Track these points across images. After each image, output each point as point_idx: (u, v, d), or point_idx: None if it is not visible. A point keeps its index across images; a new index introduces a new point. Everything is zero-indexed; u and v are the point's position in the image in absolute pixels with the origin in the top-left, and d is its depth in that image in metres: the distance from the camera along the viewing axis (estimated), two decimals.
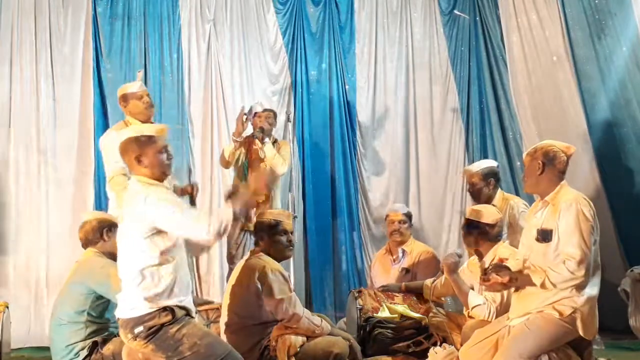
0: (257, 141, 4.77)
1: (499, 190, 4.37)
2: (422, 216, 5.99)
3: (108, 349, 3.36)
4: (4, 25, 5.28)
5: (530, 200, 4.15)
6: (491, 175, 4.31)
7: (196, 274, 5.43)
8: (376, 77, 6.10)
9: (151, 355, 2.73)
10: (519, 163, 5.72)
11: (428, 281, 4.09)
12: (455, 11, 6.21)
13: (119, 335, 2.87)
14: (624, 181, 5.22)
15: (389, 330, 3.82)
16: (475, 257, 3.73)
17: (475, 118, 6.16)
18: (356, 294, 4.07)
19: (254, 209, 4.56)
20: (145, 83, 5.45)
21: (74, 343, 3.41)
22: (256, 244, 3.67)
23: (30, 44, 5.32)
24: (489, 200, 4.25)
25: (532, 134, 5.73)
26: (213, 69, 5.74)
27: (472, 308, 3.48)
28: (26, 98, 5.29)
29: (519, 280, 3.01)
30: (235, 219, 2.64)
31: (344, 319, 4.33)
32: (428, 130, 6.12)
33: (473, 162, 5.50)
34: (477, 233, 3.59)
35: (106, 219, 3.67)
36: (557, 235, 3.00)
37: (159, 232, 2.68)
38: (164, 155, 2.82)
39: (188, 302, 2.78)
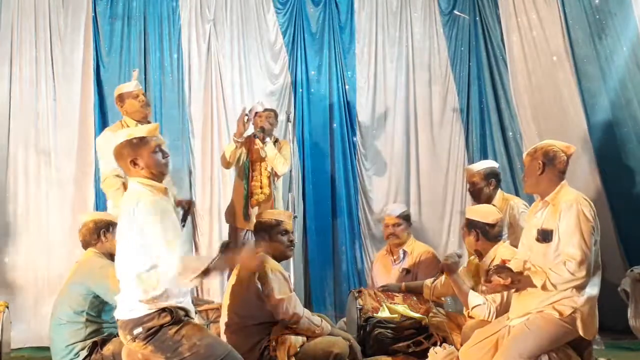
0: (257, 141, 4.77)
1: (499, 190, 4.38)
2: (422, 216, 5.99)
3: (108, 349, 3.36)
4: (4, 25, 5.28)
5: (530, 200, 4.14)
6: (492, 176, 4.32)
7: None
8: (376, 77, 6.10)
9: (151, 356, 2.72)
10: (519, 164, 5.72)
11: (428, 281, 4.09)
12: (455, 11, 6.21)
13: (118, 336, 2.87)
14: (624, 181, 5.22)
15: (389, 330, 3.82)
16: (475, 257, 3.73)
17: (475, 118, 6.16)
18: (356, 294, 4.07)
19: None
20: (146, 83, 5.47)
21: (74, 343, 3.41)
22: (256, 243, 3.68)
23: (30, 44, 5.32)
24: (489, 200, 4.26)
25: (532, 134, 5.72)
26: (213, 69, 5.74)
27: (472, 308, 3.48)
28: (26, 98, 5.29)
29: (521, 281, 3.01)
30: (205, 273, 2.62)
31: (344, 319, 4.33)
32: (428, 130, 6.12)
33: (473, 162, 5.52)
34: (477, 233, 3.59)
35: (103, 220, 3.67)
36: (557, 235, 3.00)
37: None
38: (159, 155, 2.80)
39: (187, 303, 2.78)
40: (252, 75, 5.84)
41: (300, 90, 5.94)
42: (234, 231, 4.89)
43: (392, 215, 4.61)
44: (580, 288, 2.95)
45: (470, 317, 3.55)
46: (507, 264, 3.19)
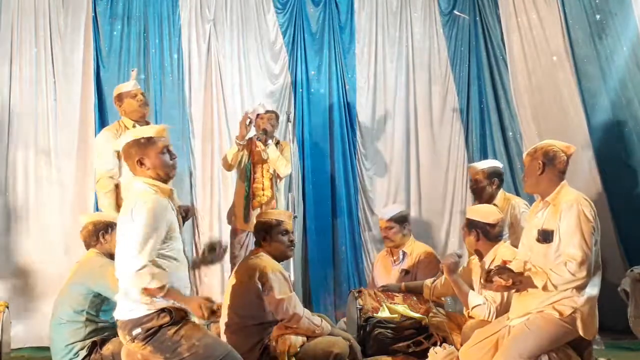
0: (259, 143, 4.77)
1: (501, 190, 4.40)
2: (422, 216, 5.99)
3: (107, 349, 3.37)
4: (4, 25, 5.27)
5: (531, 200, 4.14)
6: (495, 175, 4.36)
7: (196, 274, 5.44)
8: (376, 77, 6.10)
9: (150, 357, 2.73)
10: (519, 164, 5.72)
11: (428, 281, 4.08)
12: (455, 11, 6.21)
13: (118, 336, 2.87)
14: (624, 181, 5.21)
15: (389, 330, 3.82)
16: (475, 257, 3.73)
17: (475, 118, 6.16)
18: (356, 294, 4.06)
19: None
20: (146, 83, 5.46)
21: (74, 343, 3.42)
22: (257, 243, 3.68)
23: (30, 44, 5.32)
24: (490, 200, 4.28)
25: (532, 133, 5.72)
26: (213, 69, 5.74)
27: (472, 308, 3.48)
28: (26, 98, 5.29)
29: (522, 282, 3.01)
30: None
31: (344, 319, 4.33)
32: (428, 130, 6.12)
33: (473, 162, 5.51)
34: (478, 233, 3.59)
35: (102, 222, 3.67)
36: (558, 236, 3.00)
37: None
38: (166, 156, 2.81)
39: None
40: (252, 75, 5.83)
41: (300, 90, 5.94)
42: (234, 232, 4.89)
43: (383, 219, 4.51)
44: (580, 288, 2.95)
45: (470, 317, 3.55)
46: (508, 265, 3.18)
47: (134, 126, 4.11)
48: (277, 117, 5.06)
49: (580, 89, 5.45)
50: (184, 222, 4.14)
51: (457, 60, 6.19)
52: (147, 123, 4.21)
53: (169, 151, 2.83)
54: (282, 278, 3.45)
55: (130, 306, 2.68)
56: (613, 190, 5.26)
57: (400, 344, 3.78)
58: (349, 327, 4.04)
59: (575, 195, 3.07)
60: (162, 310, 2.67)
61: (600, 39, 5.34)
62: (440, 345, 3.57)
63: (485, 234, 3.57)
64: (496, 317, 3.36)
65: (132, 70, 4.64)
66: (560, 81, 5.58)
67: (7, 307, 3.88)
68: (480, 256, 3.64)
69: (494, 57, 6.10)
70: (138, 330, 2.66)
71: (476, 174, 4.40)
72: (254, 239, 3.80)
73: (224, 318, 3.52)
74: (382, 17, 6.14)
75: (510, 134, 5.97)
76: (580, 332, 2.97)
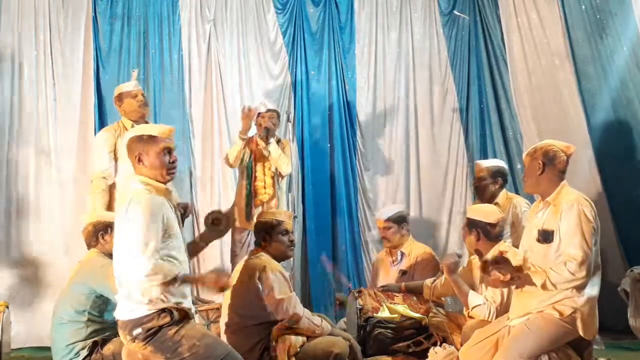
0: (260, 141, 4.78)
1: (504, 190, 4.40)
2: (422, 216, 5.99)
3: (108, 349, 3.36)
4: (4, 25, 5.27)
5: (532, 199, 4.14)
6: (499, 175, 4.38)
7: (196, 273, 5.43)
8: (376, 77, 6.10)
9: (150, 357, 2.72)
10: (519, 164, 5.71)
11: (428, 281, 4.08)
12: (455, 11, 6.21)
13: (119, 336, 2.87)
14: (624, 181, 5.21)
15: (389, 330, 3.81)
16: (475, 257, 3.73)
17: (475, 118, 6.16)
18: (356, 294, 4.06)
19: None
20: (146, 83, 5.46)
21: (75, 342, 3.41)
22: (257, 243, 3.68)
23: (30, 44, 5.32)
24: (492, 199, 4.28)
25: (532, 133, 5.72)
26: (213, 69, 5.74)
27: (472, 308, 3.48)
28: (26, 98, 5.29)
29: (520, 278, 3.00)
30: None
31: (344, 319, 4.33)
32: (428, 130, 6.12)
33: (473, 162, 5.52)
34: (478, 232, 3.58)
35: (101, 223, 3.66)
36: (558, 236, 3.00)
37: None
38: (167, 157, 2.80)
39: (187, 303, 2.77)
40: (252, 75, 5.84)
41: (300, 90, 5.94)
42: (235, 231, 4.89)
43: (381, 219, 4.49)
44: (580, 288, 2.95)
45: (470, 317, 3.55)
46: (504, 255, 3.14)
47: (132, 126, 4.11)
48: (279, 115, 5.08)
49: (580, 89, 5.45)
50: (183, 220, 4.15)
51: (457, 60, 6.19)
52: (147, 123, 4.21)
53: (170, 154, 2.82)
54: (282, 278, 3.46)
55: (130, 306, 2.68)
56: (613, 190, 5.26)
57: (400, 344, 3.77)
58: (349, 327, 4.04)
59: (576, 195, 3.07)
60: (163, 310, 2.66)
61: (601, 39, 5.34)
62: (440, 345, 3.56)
63: (486, 233, 3.57)
64: (496, 317, 3.35)
65: (133, 71, 4.66)
66: (560, 81, 5.59)
67: (7, 307, 3.88)
68: (481, 256, 3.62)
69: (494, 57, 6.11)
70: (139, 330, 2.65)
71: (480, 172, 4.42)
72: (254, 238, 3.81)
73: (224, 318, 3.52)
74: (382, 17, 6.14)
75: (511, 133, 5.98)
76: (581, 332, 2.96)
